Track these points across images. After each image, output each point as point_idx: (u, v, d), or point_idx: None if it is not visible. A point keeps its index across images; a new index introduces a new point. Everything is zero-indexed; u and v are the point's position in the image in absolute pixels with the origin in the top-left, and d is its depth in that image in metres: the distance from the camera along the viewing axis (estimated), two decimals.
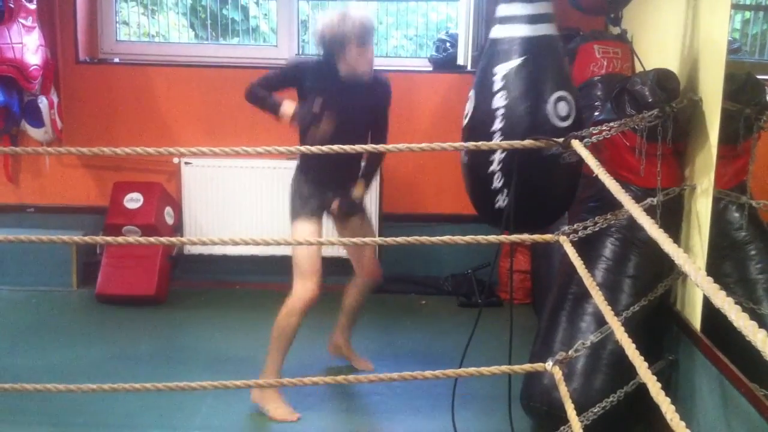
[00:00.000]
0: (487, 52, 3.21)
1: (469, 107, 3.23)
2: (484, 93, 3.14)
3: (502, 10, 3.17)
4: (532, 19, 3.11)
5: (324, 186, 3.52)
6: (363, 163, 3.63)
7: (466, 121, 3.22)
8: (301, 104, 3.37)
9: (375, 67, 3.45)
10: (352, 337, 3.95)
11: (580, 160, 2.84)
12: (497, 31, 3.18)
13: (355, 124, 3.43)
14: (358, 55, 3.33)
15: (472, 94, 3.23)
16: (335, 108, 3.34)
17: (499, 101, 3.07)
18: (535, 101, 3.07)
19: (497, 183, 3.11)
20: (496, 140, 3.02)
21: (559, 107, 3.10)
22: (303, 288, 3.38)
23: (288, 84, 3.49)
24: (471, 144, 2.84)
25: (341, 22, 3.31)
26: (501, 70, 3.10)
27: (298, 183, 3.53)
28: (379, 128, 3.57)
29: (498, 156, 3.05)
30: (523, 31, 3.11)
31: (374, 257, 3.86)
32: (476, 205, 3.34)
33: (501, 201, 3.11)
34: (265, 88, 3.46)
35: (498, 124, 3.06)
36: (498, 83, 3.09)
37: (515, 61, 3.09)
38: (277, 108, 3.38)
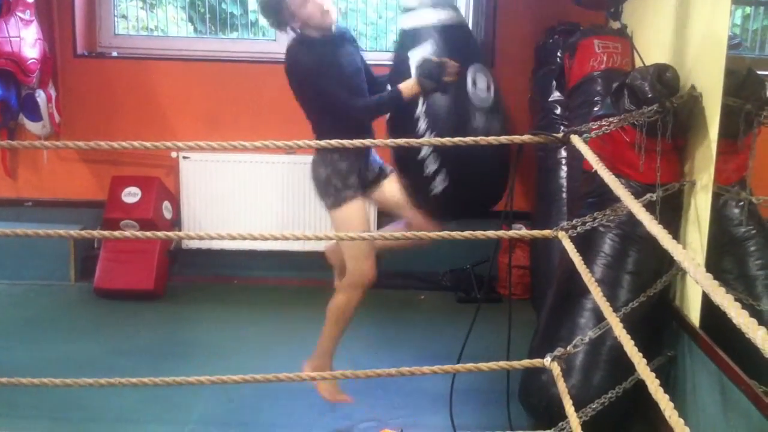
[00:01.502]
0: (400, 42, 3.35)
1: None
2: (400, 81, 3.21)
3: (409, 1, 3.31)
4: (435, 5, 3.23)
5: (356, 157, 3.29)
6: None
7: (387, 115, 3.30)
8: (418, 64, 3.17)
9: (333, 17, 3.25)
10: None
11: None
12: (406, 21, 3.31)
13: (360, 73, 3.34)
14: (310, 10, 3.16)
15: (388, 87, 3.28)
16: (344, 70, 3.22)
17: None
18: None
19: (431, 167, 3.16)
20: (422, 126, 3.12)
21: (478, 80, 3.20)
22: (361, 272, 3.26)
23: (339, 68, 3.21)
24: (470, 139, 2.82)
25: None
26: (414, 57, 3.20)
27: (331, 164, 3.26)
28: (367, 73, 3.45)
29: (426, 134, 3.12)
30: (429, 17, 3.23)
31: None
32: (415, 197, 3.35)
33: (440, 186, 3.16)
34: (362, 96, 3.25)
35: (420, 108, 3.15)
36: (414, 70, 3.18)
37: (425, 46, 3.19)
38: (400, 98, 3.16)
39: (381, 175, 3.46)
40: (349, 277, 3.31)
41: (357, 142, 2.66)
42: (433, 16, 3.22)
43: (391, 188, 3.44)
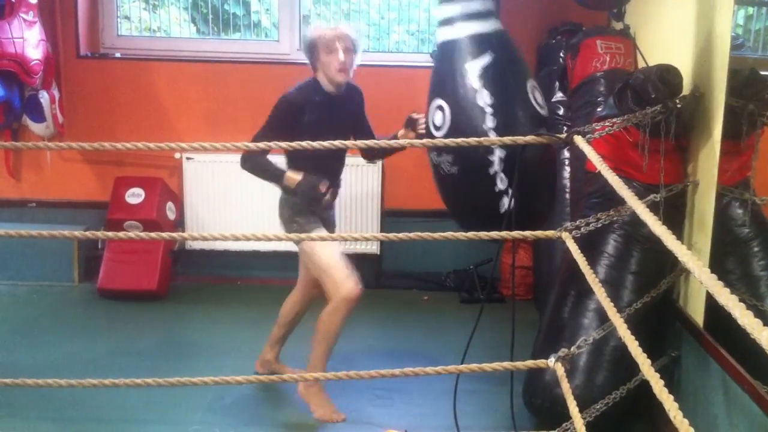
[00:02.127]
0: (450, 53, 3.19)
1: (438, 117, 3.18)
2: (460, 95, 3.12)
3: (447, 11, 3.19)
4: (481, 16, 3.13)
5: (314, 203, 3.43)
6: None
7: (442, 132, 3.16)
8: (304, 177, 3.33)
9: (350, 77, 3.41)
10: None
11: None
12: (458, 30, 3.17)
13: (341, 135, 3.39)
14: (328, 62, 3.32)
15: (441, 103, 3.18)
16: (323, 122, 3.35)
17: (484, 99, 3.06)
18: (519, 93, 3.09)
19: (501, 185, 3.08)
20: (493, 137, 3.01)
21: (536, 95, 3.13)
22: (344, 291, 3.26)
23: (289, 125, 3.34)
24: (473, 140, 2.83)
25: (313, 30, 3.38)
26: (474, 68, 3.10)
27: (291, 204, 3.43)
28: (365, 134, 3.57)
29: (498, 155, 3.02)
30: (487, 26, 3.14)
31: None
32: (474, 215, 3.25)
33: (506, 203, 3.06)
34: (261, 149, 3.28)
35: (490, 122, 3.05)
36: (477, 81, 3.08)
37: (486, 57, 3.10)
38: (280, 178, 3.37)
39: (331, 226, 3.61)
40: (331, 294, 3.31)
41: (371, 142, 2.66)
42: (481, 26, 3.14)
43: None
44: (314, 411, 3.36)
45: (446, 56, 3.20)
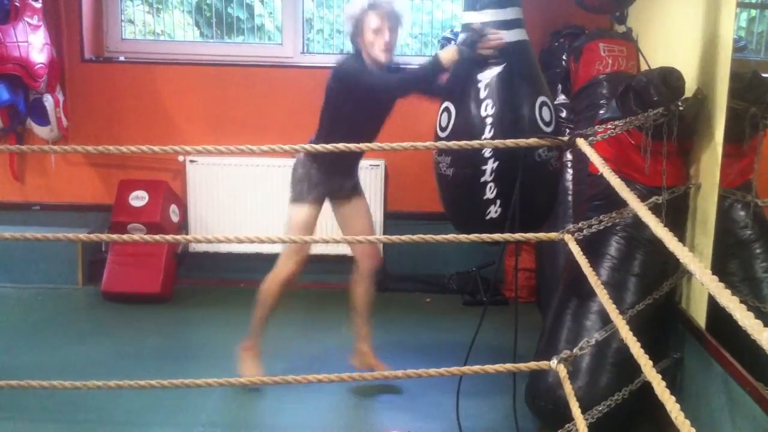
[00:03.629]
0: (465, 60, 3.20)
1: (444, 119, 3.21)
2: (467, 102, 3.14)
3: (472, 17, 3.18)
4: (506, 25, 3.13)
5: (333, 174, 3.54)
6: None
7: (445, 133, 3.20)
8: (463, 37, 3.18)
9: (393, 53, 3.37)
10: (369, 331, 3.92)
11: (560, 168, 2.88)
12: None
13: (382, 112, 3.44)
14: (373, 40, 3.29)
15: (448, 105, 3.22)
16: (369, 102, 3.33)
17: (486, 110, 3.08)
18: (522, 108, 3.10)
19: (490, 194, 3.11)
20: (488, 149, 3.02)
21: (543, 112, 3.13)
22: (286, 263, 3.51)
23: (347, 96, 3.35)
24: (476, 142, 2.84)
25: (357, 5, 3.31)
26: (484, 77, 3.11)
27: (307, 169, 3.50)
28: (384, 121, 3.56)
29: (491, 166, 3.05)
30: (521, 34, 3.14)
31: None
32: (461, 218, 3.33)
33: (493, 212, 3.12)
34: (395, 74, 3.36)
35: (488, 133, 3.07)
36: (483, 91, 3.09)
37: (497, 68, 3.10)
38: (438, 63, 3.15)
39: (353, 192, 3.67)
40: (277, 264, 3.56)
41: (374, 145, 2.67)
42: (507, 36, 3.12)
43: (358, 208, 3.69)
44: (241, 370, 3.54)
45: (463, 62, 3.19)
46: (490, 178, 3.08)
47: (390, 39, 3.30)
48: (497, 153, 3.03)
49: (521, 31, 3.17)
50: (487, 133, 3.07)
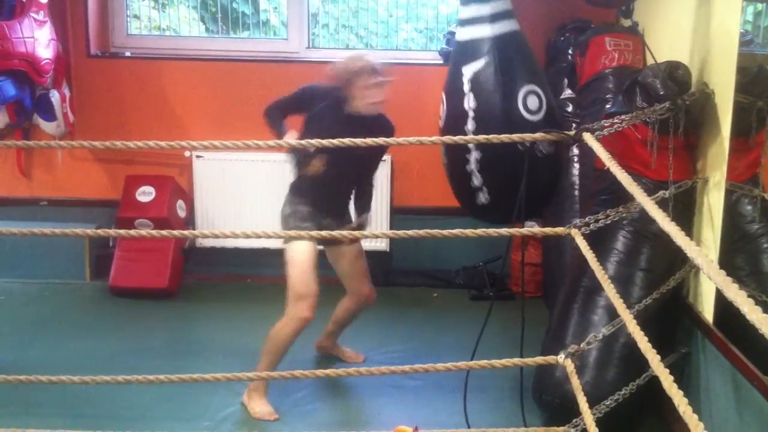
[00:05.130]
0: (454, 54, 3.39)
1: (442, 110, 3.33)
2: (455, 95, 3.27)
3: (463, 12, 3.32)
4: (493, 18, 3.19)
5: (320, 211, 3.49)
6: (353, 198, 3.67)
7: (441, 123, 3.38)
8: (300, 136, 3.37)
9: (381, 109, 3.43)
10: (342, 333, 3.96)
11: (558, 151, 3.12)
12: (461, 33, 3.32)
13: (355, 160, 3.41)
14: (363, 95, 3.32)
15: (443, 96, 3.32)
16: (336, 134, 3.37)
17: (469, 103, 3.16)
18: (503, 99, 3.19)
19: (476, 182, 3.25)
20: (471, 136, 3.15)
21: (528, 102, 3.18)
22: (296, 310, 3.35)
23: (300, 107, 3.53)
24: (482, 137, 2.83)
25: (352, 59, 3.38)
26: (467, 72, 3.19)
27: (294, 205, 3.51)
28: (375, 167, 3.67)
29: (474, 155, 3.14)
30: (485, 31, 3.22)
31: (368, 280, 3.75)
32: (460, 201, 3.53)
33: (483, 198, 3.29)
34: (280, 109, 3.54)
35: (471, 125, 3.15)
36: (466, 85, 3.18)
37: (480, 62, 3.18)
38: (280, 135, 3.42)
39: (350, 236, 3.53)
40: (288, 308, 3.40)
41: (380, 140, 2.67)
42: (489, 29, 3.22)
43: (355, 254, 3.65)
44: (253, 412, 3.41)
45: (453, 56, 3.42)
46: (474, 168, 3.24)
47: (376, 94, 3.34)
48: (479, 143, 3.18)
49: (508, 22, 3.25)
50: (470, 124, 3.23)
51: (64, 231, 2.70)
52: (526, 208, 3.11)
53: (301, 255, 3.39)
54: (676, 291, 3.21)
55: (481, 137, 2.80)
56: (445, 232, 2.57)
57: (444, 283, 5.19)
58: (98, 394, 3.44)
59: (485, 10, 3.23)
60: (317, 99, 3.44)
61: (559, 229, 2.64)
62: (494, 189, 3.29)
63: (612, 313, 2.96)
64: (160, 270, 4.88)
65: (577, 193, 4.26)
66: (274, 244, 4.94)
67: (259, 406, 3.40)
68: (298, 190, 3.53)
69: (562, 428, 2.59)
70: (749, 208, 2.98)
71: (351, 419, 3.43)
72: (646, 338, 1.71)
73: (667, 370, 1.54)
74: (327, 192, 3.47)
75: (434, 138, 2.97)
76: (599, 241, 3.03)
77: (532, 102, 3.18)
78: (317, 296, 3.38)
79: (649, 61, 3.74)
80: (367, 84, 3.31)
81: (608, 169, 2.22)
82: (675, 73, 3.07)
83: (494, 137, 2.83)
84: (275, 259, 5.11)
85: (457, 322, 4.54)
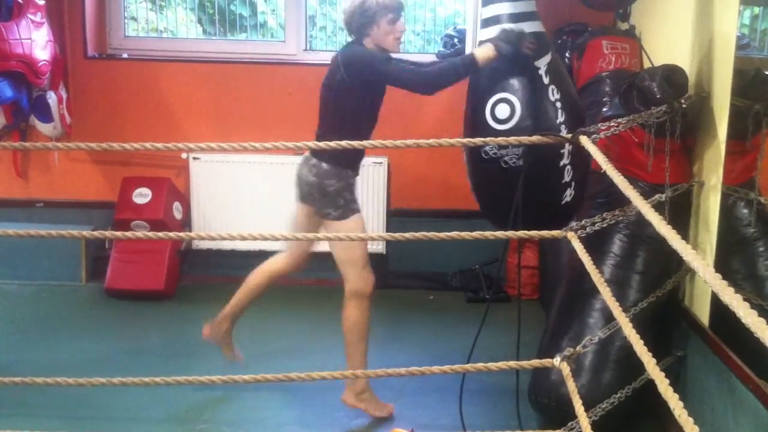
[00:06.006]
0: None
1: (508, 110, 3.15)
2: (531, 90, 3.11)
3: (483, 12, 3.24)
4: (536, 16, 3.17)
5: (354, 178, 3.41)
6: None
7: (508, 126, 3.10)
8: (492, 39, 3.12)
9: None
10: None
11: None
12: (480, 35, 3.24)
13: (380, 106, 3.38)
14: (387, 31, 3.25)
15: (509, 96, 3.13)
16: (377, 93, 3.31)
17: (554, 95, 3.09)
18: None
19: (567, 177, 3.12)
20: (564, 132, 3.02)
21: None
22: (362, 286, 3.33)
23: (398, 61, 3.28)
24: (479, 140, 2.84)
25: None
26: (542, 65, 3.11)
27: (345, 178, 3.31)
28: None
29: (567, 149, 3.04)
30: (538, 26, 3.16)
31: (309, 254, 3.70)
32: (537, 208, 3.11)
33: (568, 196, 3.14)
34: (425, 67, 3.30)
35: (561, 117, 3.08)
36: (545, 78, 3.11)
37: (549, 56, 3.14)
38: (473, 63, 3.11)
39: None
40: (353, 287, 3.35)
41: (377, 142, 2.67)
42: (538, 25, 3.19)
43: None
44: (372, 413, 3.42)
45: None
46: (568, 161, 3.13)
47: (401, 30, 3.29)
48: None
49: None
50: (561, 116, 3.11)
51: (60, 233, 2.70)
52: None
53: (359, 227, 3.36)
54: (672, 294, 3.21)
55: (478, 140, 2.81)
56: (442, 234, 2.57)
57: (440, 285, 5.19)
58: (94, 395, 3.43)
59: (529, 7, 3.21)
60: (373, 54, 3.26)
61: (556, 232, 2.64)
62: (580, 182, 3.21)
63: (608, 316, 2.96)
64: (156, 272, 4.87)
65: None
66: (271, 245, 4.93)
67: (380, 407, 3.43)
68: (341, 161, 3.29)
69: (557, 431, 2.59)
70: (745, 211, 2.99)
71: (347, 421, 3.42)
72: (641, 341, 1.71)
73: (663, 373, 1.54)
74: (361, 151, 3.37)
75: (431, 141, 2.97)
76: (595, 244, 3.03)
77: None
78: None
79: (646, 64, 3.74)
80: (390, 18, 3.24)
81: (605, 172, 2.22)
82: (672, 77, 3.07)
83: (490, 140, 2.84)
84: None
85: (453, 324, 4.54)
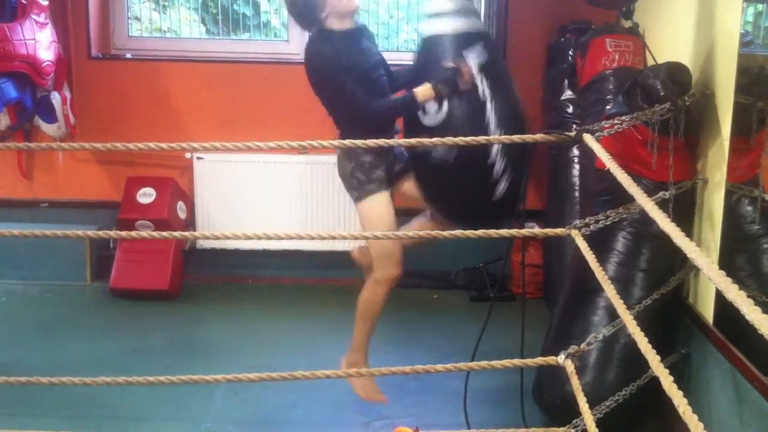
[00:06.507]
0: (420, 49, 3.43)
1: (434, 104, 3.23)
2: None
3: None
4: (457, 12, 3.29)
5: (382, 151, 3.29)
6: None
7: (434, 121, 3.25)
8: (431, 78, 3.18)
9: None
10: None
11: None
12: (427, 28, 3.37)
13: (380, 67, 3.35)
14: None
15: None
16: (363, 65, 3.24)
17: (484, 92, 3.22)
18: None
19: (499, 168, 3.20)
20: (492, 129, 3.14)
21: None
22: (386, 270, 3.32)
23: (355, 73, 3.21)
24: (482, 138, 2.84)
25: None
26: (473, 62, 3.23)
27: (355, 157, 3.27)
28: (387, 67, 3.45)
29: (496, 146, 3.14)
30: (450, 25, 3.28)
31: None
32: (471, 202, 3.34)
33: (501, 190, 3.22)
34: (380, 95, 3.27)
35: (490, 115, 3.15)
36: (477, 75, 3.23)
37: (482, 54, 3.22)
38: (414, 102, 3.19)
39: (407, 167, 3.47)
40: (375, 272, 3.36)
41: (370, 142, 2.67)
42: (455, 25, 3.24)
43: (408, 182, 3.49)
44: (357, 389, 3.41)
45: (422, 50, 3.41)
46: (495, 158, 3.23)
47: None
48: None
49: (470, 20, 3.28)
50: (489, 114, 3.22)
51: (65, 232, 2.70)
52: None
53: (375, 210, 3.32)
54: (677, 292, 3.21)
55: (470, 138, 2.81)
56: (446, 233, 2.57)
57: (444, 284, 5.19)
58: (99, 395, 3.44)
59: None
60: (339, 50, 3.19)
61: (560, 230, 2.64)
62: (512, 175, 3.28)
63: (612, 314, 2.96)
64: (160, 271, 4.88)
65: (577, 194, 4.26)
66: (275, 245, 4.95)
67: (367, 387, 3.41)
68: (356, 137, 3.18)
69: (562, 429, 2.59)
70: (749, 208, 2.98)
71: (351, 419, 3.43)
72: (646, 339, 1.71)
73: (667, 371, 1.54)
74: (379, 129, 3.26)
75: (435, 139, 2.97)
76: (599, 241, 3.03)
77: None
78: (402, 253, 3.35)
79: (650, 62, 3.74)
80: None
81: (608, 169, 2.22)
82: (675, 74, 3.07)
83: (494, 138, 2.84)
84: (275, 260, 5.15)
85: (457, 323, 4.54)
